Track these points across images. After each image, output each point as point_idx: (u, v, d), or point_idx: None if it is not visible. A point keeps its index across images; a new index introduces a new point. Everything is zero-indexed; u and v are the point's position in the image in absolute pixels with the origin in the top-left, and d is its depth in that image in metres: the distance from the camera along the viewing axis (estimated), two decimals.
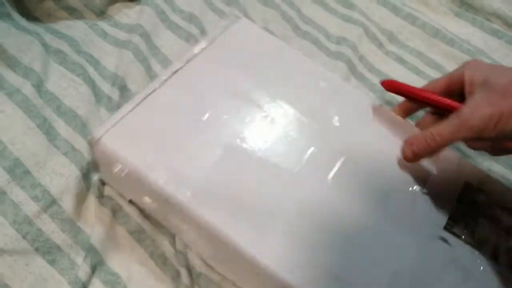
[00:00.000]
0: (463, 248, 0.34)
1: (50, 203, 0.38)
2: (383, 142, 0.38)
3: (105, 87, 0.46)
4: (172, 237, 0.40)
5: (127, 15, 0.53)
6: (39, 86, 0.43)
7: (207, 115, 0.37)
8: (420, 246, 0.33)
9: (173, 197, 0.33)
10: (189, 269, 0.38)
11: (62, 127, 0.42)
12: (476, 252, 0.34)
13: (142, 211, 0.41)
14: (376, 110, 0.40)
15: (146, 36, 0.50)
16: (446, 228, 0.34)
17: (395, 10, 0.61)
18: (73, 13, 0.52)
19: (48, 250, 0.37)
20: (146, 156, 0.34)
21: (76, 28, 0.50)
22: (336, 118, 0.39)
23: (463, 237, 0.34)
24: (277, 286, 0.31)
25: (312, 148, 0.37)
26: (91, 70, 0.46)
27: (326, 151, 0.36)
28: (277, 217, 0.33)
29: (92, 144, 0.35)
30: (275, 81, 0.40)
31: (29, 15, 0.50)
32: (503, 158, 0.49)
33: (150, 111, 0.36)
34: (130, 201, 0.40)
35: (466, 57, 0.56)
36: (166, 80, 0.38)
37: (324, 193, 0.34)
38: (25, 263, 0.36)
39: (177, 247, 0.38)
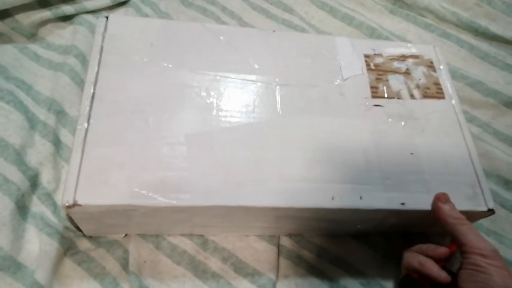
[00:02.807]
0: (390, 102, 0.43)
1: None
2: (296, 57, 0.44)
3: (40, 112, 0.44)
4: (125, 259, 0.38)
5: (61, 35, 0.51)
6: None
7: (149, 121, 0.37)
8: (366, 119, 0.41)
9: (165, 206, 0.34)
10: None
11: None
12: (401, 100, 0.44)
13: (93, 240, 0.39)
14: (280, 35, 0.46)
15: (82, 57, 0.49)
16: (373, 96, 0.43)
17: (333, 12, 0.62)
18: (0, 37, 0.49)
19: None
20: (125, 189, 0.33)
21: (4, 53, 0.48)
22: (252, 60, 0.42)
23: (386, 96, 0.43)
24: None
25: (253, 96, 0.40)
26: (22, 96, 0.44)
27: (263, 90, 0.41)
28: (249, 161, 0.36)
29: (70, 210, 0.33)
30: (185, 55, 0.41)
31: None
32: None
33: (97, 150, 0.35)
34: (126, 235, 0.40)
35: None
36: (90, 111, 0.36)
37: (280, 121, 0.39)
38: None
39: (131, 269, 0.37)
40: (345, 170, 0.38)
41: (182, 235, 0.41)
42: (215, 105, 0.39)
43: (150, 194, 0.33)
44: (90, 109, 0.36)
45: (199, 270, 0.39)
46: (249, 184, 0.35)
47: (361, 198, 0.36)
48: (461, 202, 0.37)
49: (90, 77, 0.38)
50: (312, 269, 0.41)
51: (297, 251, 0.41)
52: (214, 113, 0.38)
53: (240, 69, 0.42)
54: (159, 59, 0.40)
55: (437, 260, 0.34)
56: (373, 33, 0.59)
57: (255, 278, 0.39)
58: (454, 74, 0.56)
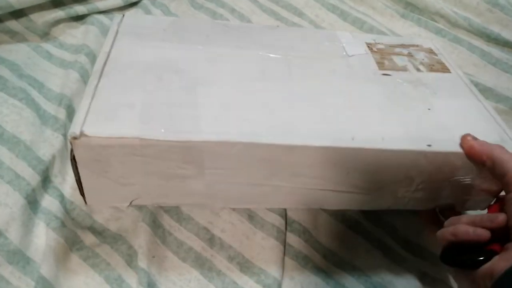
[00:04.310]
0: (398, 73, 0.43)
1: None
2: (301, 43, 0.45)
3: (51, 108, 0.45)
4: (129, 256, 0.39)
5: (72, 35, 0.52)
6: None
7: (162, 77, 0.36)
8: (376, 83, 0.41)
9: (175, 140, 0.32)
10: (151, 286, 0.37)
11: (5, 155, 0.40)
12: (408, 72, 0.44)
13: (98, 235, 0.39)
14: (283, 29, 0.48)
15: (92, 56, 0.49)
16: (379, 68, 0.44)
17: (344, 15, 0.62)
18: (14, 36, 0.50)
19: None
20: (134, 124, 0.32)
21: (18, 51, 0.49)
22: (260, 41, 0.43)
23: (392, 69, 0.44)
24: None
25: (263, 65, 0.40)
26: (34, 93, 0.45)
27: (273, 62, 0.41)
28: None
29: (76, 142, 0.31)
30: (196, 37, 0.42)
31: None
32: None
33: (108, 94, 0.34)
34: (130, 204, 0.37)
35: None
36: (103, 69, 0.36)
37: (291, 82, 0.39)
38: None
39: (140, 265, 0.37)
40: (363, 117, 0.36)
41: (189, 230, 0.41)
42: (226, 68, 0.39)
43: (160, 130, 0.32)
44: (103, 69, 0.36)
45: (205, 268, 0.39)
46: (264, 126, 0.34)
47: (383, 139, 0.35)
48: None
49: (105, 48, 0.38)
50: (318, 272, 0.40)
51: (304, 251, 0.41)
52: (225, 74, 0.38)
53: (249, 46, 0.42)
54: (170, 37, 0.41)
55: (495, 230, 0.29)
56: None
57: (261, 278, 0.39)
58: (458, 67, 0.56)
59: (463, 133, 0.35)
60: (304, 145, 0.33)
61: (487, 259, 0.29)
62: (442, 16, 0.63)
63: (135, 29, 0.41)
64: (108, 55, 0.37)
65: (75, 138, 0.30)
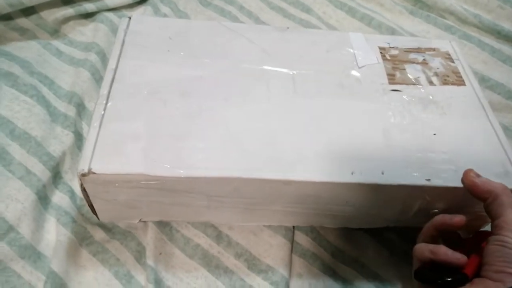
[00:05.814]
0: (408, 88, 0.43)
1: (6, 230, 0.37)
2: (310, 49, 0.45)
3: (61, 105, 0.45)
4: (139, 252, 0.39)
5: (82, 32, 0.53)
6: None
7: (166, 100, 0.37)
8: (384, 102, 0.41)
9: (179, 177, 0.33)
10: (158, 283, 0.37)
11: (16, 151, 0.41)
12: (419, 86, 0.43)
13: (107, 231, 0.40)
14: (293, 31, 0.46)
15: (102, 55, 0.50)
16: (390, 83, 0.43)
17: (352, 12, 0.62)
18: (24, 33, 0.51)
19: (6, 279, 0.36)
20: (140, 159, 0.33)
21: (28, 48, 0.49)
22: (267, 51, 0.43)
23: (403, 82, 0.43)
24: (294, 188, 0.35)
25: (268, 81, 0.40)
26: (45, 90, 0.46)
27: (278, 77, 0.41)
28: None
29: (84, 178, 0.32)
30: (202, 46, 0.42)
31: None
32: None
33: (114, 124, 0.35)
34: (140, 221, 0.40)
35: None
36: (109, 92, 0.37)
37: (295, 102, 0.39)
38: None
39: (148, 262, 0.38)
40: (364, 148, 0.36)
41: (196, 228, 0.41)
42: (230, 88, 0.39)
43: (165, 165, 0.33)
44: (110, 91, 0.37)
45: (212, 266, 0.39)
46: (264, 158, 0.34)
47: (382, 173, 0.35)
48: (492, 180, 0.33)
49: (111, 64, 0.39)
50: (326, 270, 0.40)
51: (312, 249, 0.41)
52: (230, 95, 0.38)
53: (255, 59, 0.42)
54: (176, 50, 0.41)
55: (455, 229, 0.32)
56: (392, 34, 0.59)
57: (269, 275, 0.39)
58: (475, 77, 0.55)
59: (466, 165, 0.35)
60: (302, 180, 0.34)
61: (461, 282, 0.30)
62: (452, 13, 0.62)
63: (141, 38, 0.42)
64: (115, 73, 0.38)
65: (84, 175, 0.32)
